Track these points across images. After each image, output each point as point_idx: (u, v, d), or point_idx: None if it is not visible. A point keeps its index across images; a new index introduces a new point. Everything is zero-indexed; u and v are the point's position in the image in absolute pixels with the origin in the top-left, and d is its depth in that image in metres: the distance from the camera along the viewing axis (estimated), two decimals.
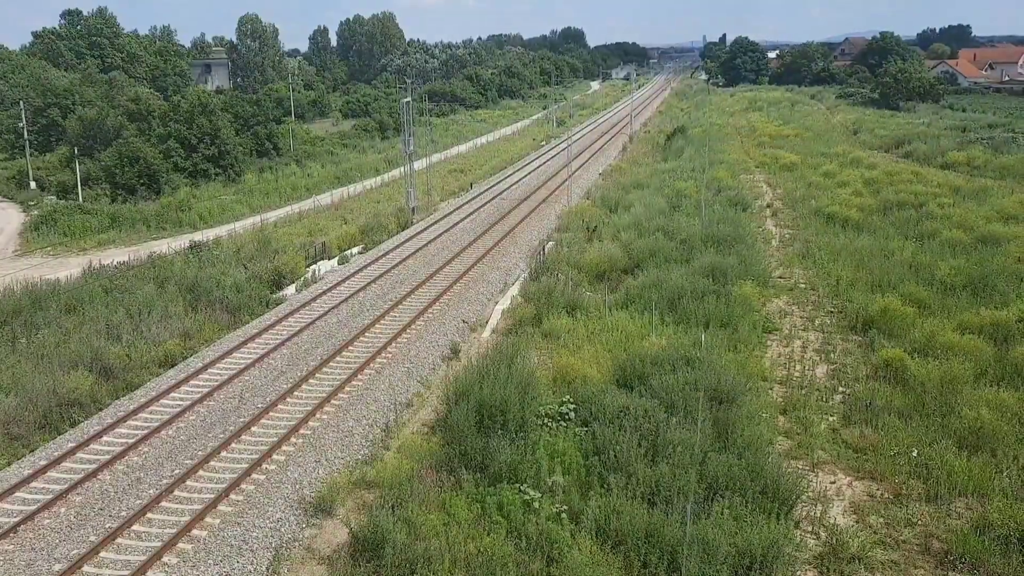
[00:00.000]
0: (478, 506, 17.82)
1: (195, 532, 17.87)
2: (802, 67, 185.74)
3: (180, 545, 17.37)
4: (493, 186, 65.02)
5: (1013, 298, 29.84)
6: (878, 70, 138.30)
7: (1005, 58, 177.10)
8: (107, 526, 18.01)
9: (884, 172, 59.27)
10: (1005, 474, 19.00)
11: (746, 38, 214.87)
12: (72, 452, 21.32)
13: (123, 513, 18.51)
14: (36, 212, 55.47)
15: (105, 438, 22.28)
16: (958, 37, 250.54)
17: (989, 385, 23.24)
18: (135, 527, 18.05)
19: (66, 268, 40.78)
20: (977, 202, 47.78)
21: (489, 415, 20.59)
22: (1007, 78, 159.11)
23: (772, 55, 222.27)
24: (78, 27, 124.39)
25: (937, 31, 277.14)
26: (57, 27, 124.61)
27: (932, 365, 24.16)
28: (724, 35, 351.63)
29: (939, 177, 57.73)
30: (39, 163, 69.85)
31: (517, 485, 18.20)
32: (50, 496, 19.06)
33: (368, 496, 19.21)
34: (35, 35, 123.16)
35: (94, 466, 20.48)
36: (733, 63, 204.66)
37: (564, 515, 17.28)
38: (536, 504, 17.58)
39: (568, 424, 21.16)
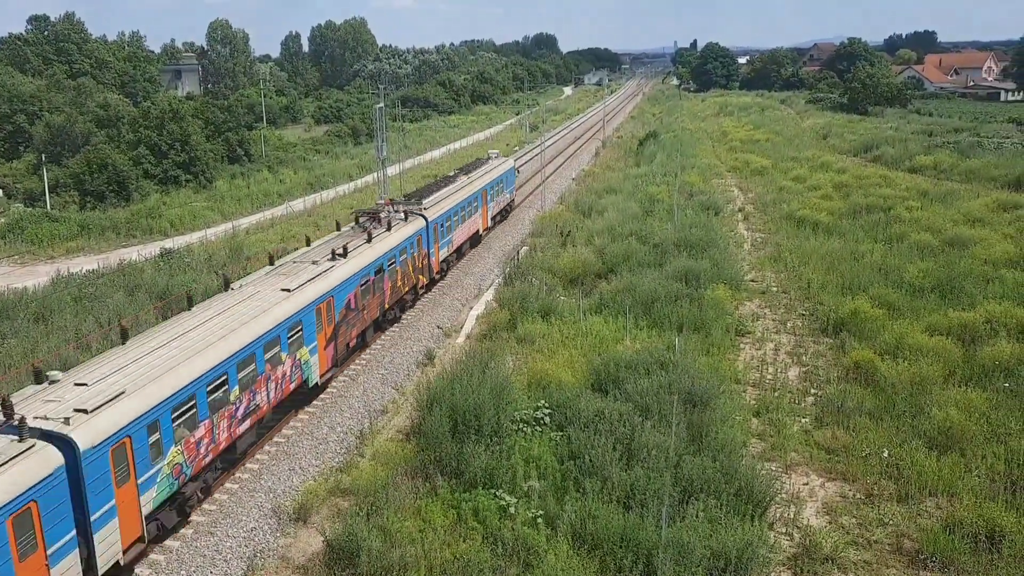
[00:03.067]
0: (454, 512, 17.78)
1: None
2: (772, 72, 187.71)
3: None
4: None
5: (980, 300, 30.29)
6: (847, 75, 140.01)
7: (970, 63, 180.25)
8: None
9: (853, 176, 60.09)
10: (974, 473, 19.31)
11: (717, 44, 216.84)
12: None
13: None
14: (3, 220, 54.52)
15: None
16: (924, 43, 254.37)
17: (958, 385, 23.61)
18: None
19: (34, 276, 40.13)
20: (944, 205, 48.50)
21: (463, 420, 20.54)
22: (972, 83, 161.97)
23: (742, 60, 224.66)
24: (45, 33, 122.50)
25: (904, 37, 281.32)
26: (24, 33, 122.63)
27: (902, 366, 24.52)
28: (695, 41, 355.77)
29: (907, 181, 58.60)
30: (5, 170, 68.62)
31: (493, 490, 18.20)
32: None
33: (343, 503, 19.10)
34: (1, 41, 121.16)
35: None
36: (704, 68, 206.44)
37: (540, 520, 17.27)
38: (512, 509, 17.58)
39: (543, 429, 21.15)
